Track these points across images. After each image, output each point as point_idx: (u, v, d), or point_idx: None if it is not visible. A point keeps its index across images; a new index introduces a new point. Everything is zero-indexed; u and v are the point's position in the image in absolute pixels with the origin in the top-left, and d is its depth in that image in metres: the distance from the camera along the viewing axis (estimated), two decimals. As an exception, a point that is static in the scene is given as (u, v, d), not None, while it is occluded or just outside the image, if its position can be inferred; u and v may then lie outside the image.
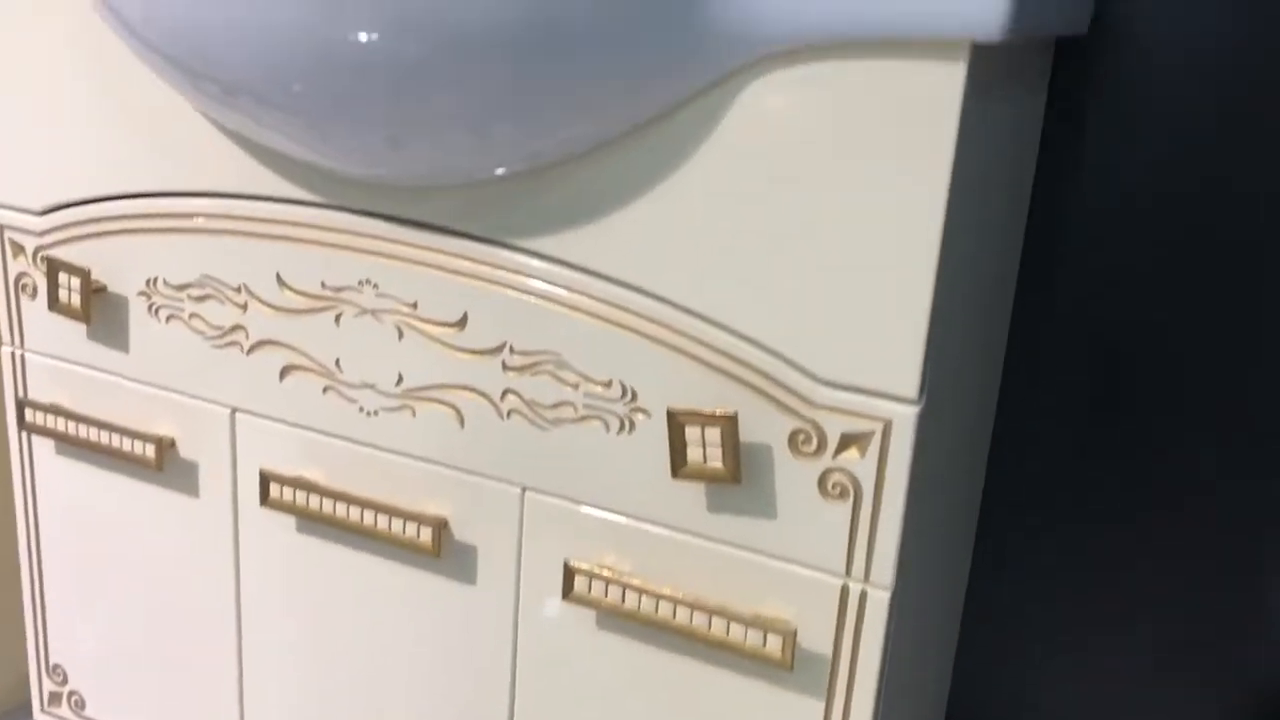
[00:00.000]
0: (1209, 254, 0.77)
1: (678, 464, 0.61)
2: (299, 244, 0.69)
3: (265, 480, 0.73)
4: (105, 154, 0.74)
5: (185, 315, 0.74)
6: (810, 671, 0.62)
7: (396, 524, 0.70)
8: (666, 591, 0.63)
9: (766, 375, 0.60)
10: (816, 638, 0.62)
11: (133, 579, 0.82)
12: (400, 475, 0.70)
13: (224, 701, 0.81)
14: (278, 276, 0.70)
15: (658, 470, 0.63)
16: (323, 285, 0.69)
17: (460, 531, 0.70)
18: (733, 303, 0.59)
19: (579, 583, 0.65)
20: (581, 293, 0.63)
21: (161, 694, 0.84)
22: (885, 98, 0.54)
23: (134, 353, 0.77)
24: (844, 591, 0.61)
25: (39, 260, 0.78)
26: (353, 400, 0.70)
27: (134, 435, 0.77)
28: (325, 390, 0.71)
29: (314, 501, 0.72)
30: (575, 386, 0.64)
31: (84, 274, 0.75)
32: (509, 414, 0.66)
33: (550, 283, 0.63)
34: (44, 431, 0.80)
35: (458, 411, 0.67)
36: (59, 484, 0.83)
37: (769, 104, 0.56)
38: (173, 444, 0.77)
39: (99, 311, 0.76)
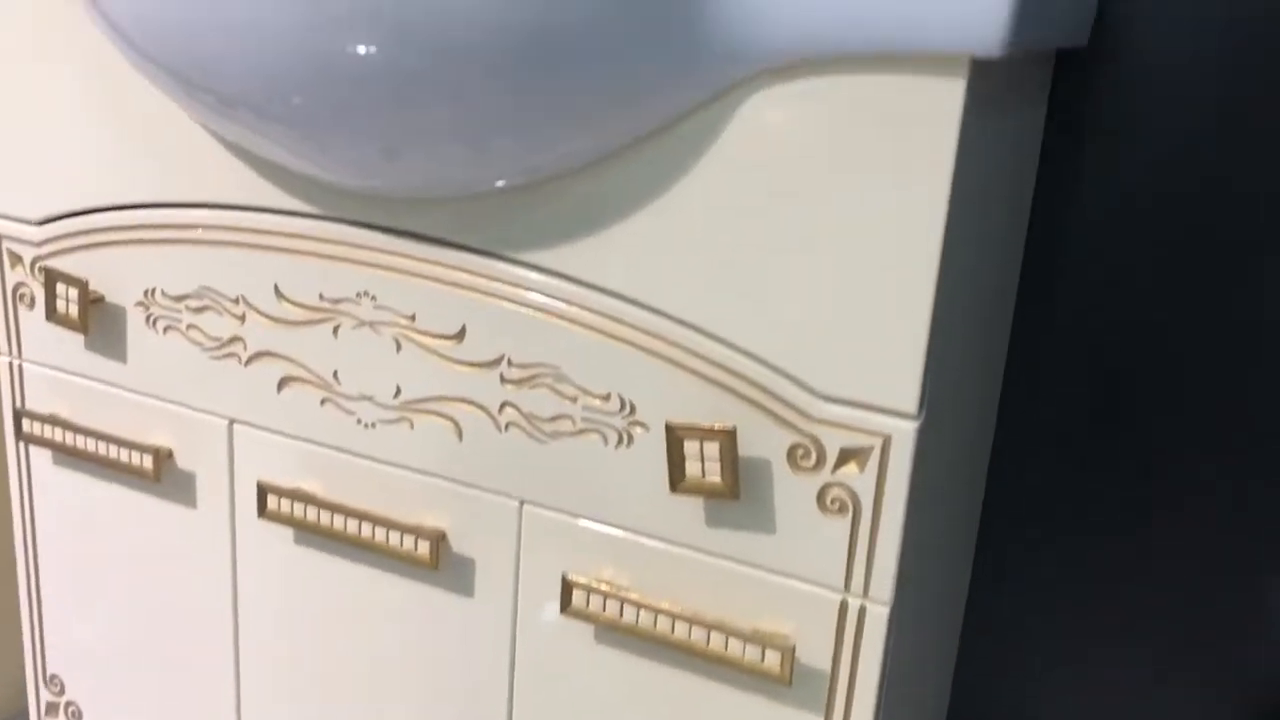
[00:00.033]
0: (1209, 265, 0.76)
1: (676, 479, 0.60)
2: (297, 255, 0.69)
3: (263, 492, 0.72)
4: (103, 164, 0.74)
5: (183, 326, 0.74)
6: (809, 687, 0.62)
7: (394, 536, 0.70)
8: (665, 606, 0.63)
9: (765, 389, 0.59)
10: (815, 653, 0.62)
11: (130, 590, 0.82)
12: (398, 487, 0.70)
13: (221, 713, 0.81)
14: (276, 288, 0.70)
15: (656, 484, 0.63)
16: (321, 297, 0.69)
17: (458, 544, 0.69)
18: (731, 316, 0.59)
19: (577, 596, 0.65)
20: (580, 306, 0.63)
21: (159, 705, 0.84)
22: (884, 112, 0.54)
23: (132, 363, 0.76)
24: (843, 607, 0.61)
25: (37, 270, 0.78)
26: (351, 412, 0.70)
27: (131, 446, 0.77)
28: (323, 402, 0.71)
29: (311, 513, 0.72)
30: (574, 400, 0.64)
31: (82, 285, 0.75)
32: (507, 427, 0.66)
33: (549, 295, 0.63)
34: (41, 442, 0.80)
35: (456, 424, 0.67)
36: (56, 494, 0.83)
37: (768, 118, 0.56)
38: (170, 455, 0.77)
39: (97, 322, 0.76)
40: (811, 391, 0.59)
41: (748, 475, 0.60)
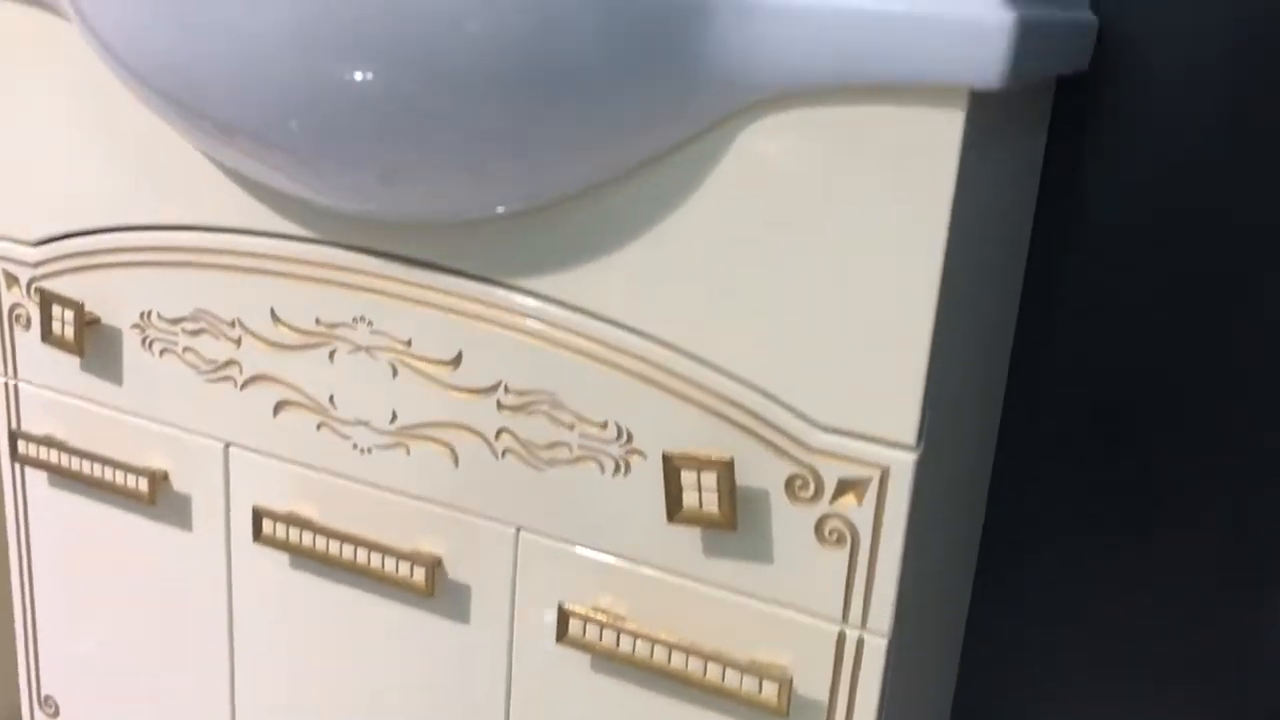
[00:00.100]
0: (1210, 289, 0.76)
1: (673, 509, 0.60)
2: (293, 279, 0.69)
3: (258, 516, 0.72)
4: (100, 186, 0.73)
5: (179, 349, 0.73)
6: (806, 718, 0.62)
7: (390, 562, 0.69)
8: (662, 636, 0.63)
9: (763, 419, 0.59)
10: (813, 684, 0.61)
11: (125, 612, 0.82)
12: (394, 513, 0.70)
13: (216, 736, 0.81)
14: (272, 312, 0.70)
15: (653, 513, 0.62)
16: (317, 321, 0.69)
17: (454, 571, 0.69)
18: (729, 345, 0.59)
19: (574, 625, 0.64)
20: (577, 333, 0.62)
21: (153, 728, 0.83)
22: (883, 144, 0.53)
23: (127, 385, 0.76)
24: (841, 638, 0.60)
25: (33, 291, 0.77)
26: (346, 437, 0.70)
27: (127, 468, 0.76)
28: (319, 426, 0.70)
29: (307, 538, 0.71)
30: (570, 427, 0.63)
31: (77, 307, 0.75)
32: (504, 453, 0.66)
33: (546, 322, 0.63)
34: (37, 463, 0.79)
35: (452, 450, 0.67)
36: (52, 515, 0.82)
37: (766, 148, 0.56)
38: (166, 477, 0.76)
39: (92, 344, 0.76)
40: (810, 421, 0.58)
41: (746, 505, 0.60)
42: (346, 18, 0.54)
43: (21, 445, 0.79)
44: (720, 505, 0.59)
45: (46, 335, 0.76)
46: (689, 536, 0.62)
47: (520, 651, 0.68)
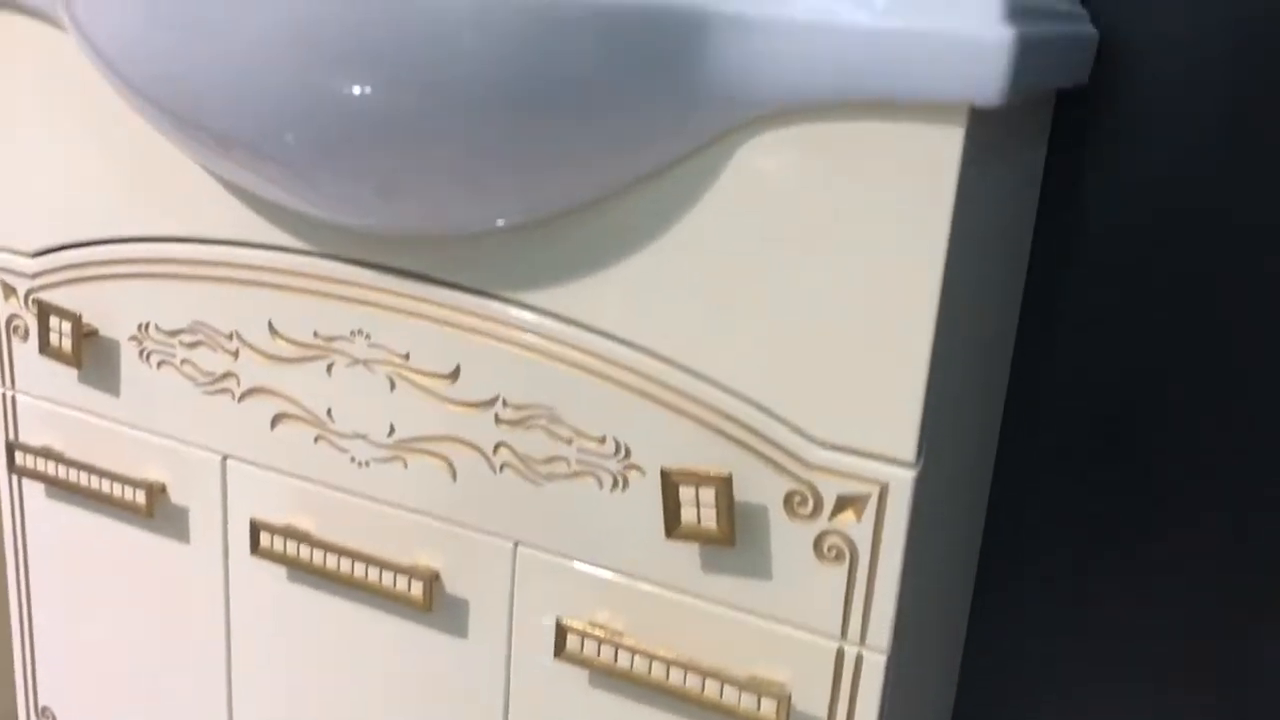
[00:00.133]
0: (1210, 302, 0.76)
1: (671, 525, 0.60)
2: (291, 292, 0.69)
3: (255, 529, 0.72)
4: (97, 198, 0.73)
5: (177, 361, 0.73)
6: (805, 734, 0.62)
7: (388, 576, 0.69)
8: (660, 652, 0.62)
9: (762, 435, 0.59)
10: (812, 701, 0.61)
11: (123, 623, 0.81)
12: (392, 527, 0.69)
13: (213, 749, 0.81)
14: (270, 324, 0.70)
15: (651, 528, 0.62)
16: (315, 334, 0.68)
17: (452, 585, 0.69)
18: (728, 361, 0.59)
19: (571, 641, 0.64)
20: (576, 347, 0.62)
21: (150, 740, 0.83)
22: (882, 160, 0.53)
23: (125, 397, 0.76)
24: (839, 655, 0.60)
25: (30, 303, 0.77)
26: (344, 450, 0.70)
27: (125, 480, 0.76)
28: (317, 439, 0.70)
29: (304, 552, 0.71)
30: (569, 441, 0.63)
31: (75, 318, 0.74)
32: (501, 467, 0.65)
33: (544, 336, 0.63)
34: (34, 475, 0.79)
35: (449, 464, 0.67)
36: (49, 527, 0.82)
37: (764, 163, 0.55)
38: (164, 490, 0.76)
39: (90, 355, 0.76)
40: (809, 438, 0.58)
41: (744, 521, 0.60)
42: (345, 29, 0.54)
43: (19, 456, 0.79)
44: (719, 521, 0.59)
45: (44, 347, 0.76)
46: (687, 552, 0.62)
47: (518, 666, 0.68)
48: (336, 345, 0.68)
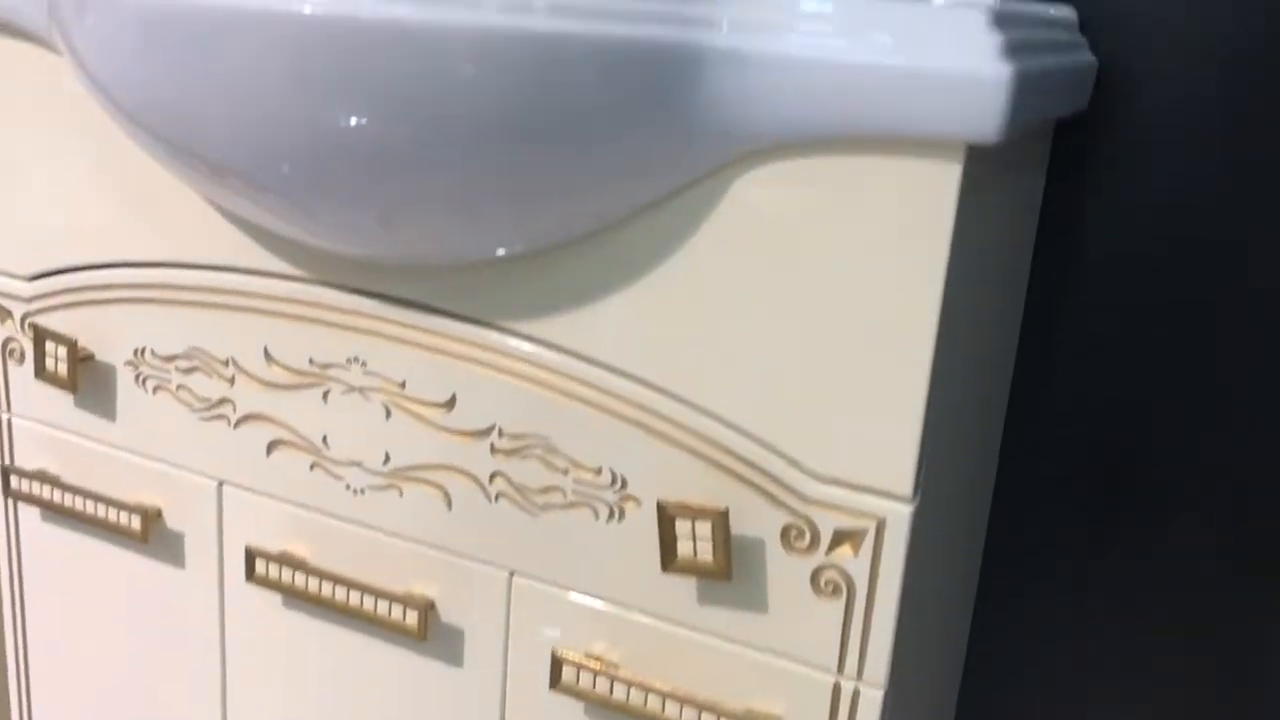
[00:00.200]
0: (1211, 329, 0.75)
1: (668, 559, 0.59)
2: (287, 319, 0.68)
3: (251, 556, 0.71)
4: (95, 222, 0.73)
5: (173, 386, 0.73)
6: (802, 768, 0.61)
7: (383, 605, 0.69)
8: (656, 684, 0.62)
9: (759, 468, 0.58)
10: (808, 735, 0.61)
11: (118, 648, 0.81)
12: (387, 555, 0.69)
13: (208, 775, 0.80)
14: (266, 351, 0.69)
15: (648, 560, 0.62)
16: (311, 361, 0.68)
17: (447, 614, 0.68)
18: (726, 393, 0.58)
19: (567, 673, 0.64)
20: (572, 378, 0.62)
21: (145, 764, 0.83)
22: (878, 195, 0.53)
23: (121, 422, 0.76)
24: (836, 689, 0.59)
25: (26, 326, 0.77)
26: (340, 478, 0.69)
27: (120, 505, 0.76)
28: (312, 467, 0.70)
29: (300, 579, 0.71)
30: (565, 472, 0.63)
31: (71, 343, 0.74)
32: (497, 497, 0.65)
33: (541, 366, 0.62)
34: (29, 499, 0.79)
35: (445, 492, 0.66)
36: (44, 550, 0.82)
37: (761, 196, 0.55)
38: (159, 515, 0.76)
39: (86, 380, 0.76)
40: (806, 471, 0.58)
41: (741, 554, 0.59)
42: (342, 61, 0.53)
43: (14, 480, 0.79)
44: (715, 555, 0.59)
45: (40, 372, 0.76)
46: (684, 584, 0.61)
47: (513, 697, 0.68)
48: (332, 373, 0.68)
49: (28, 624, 0.84)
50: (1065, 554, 0.82)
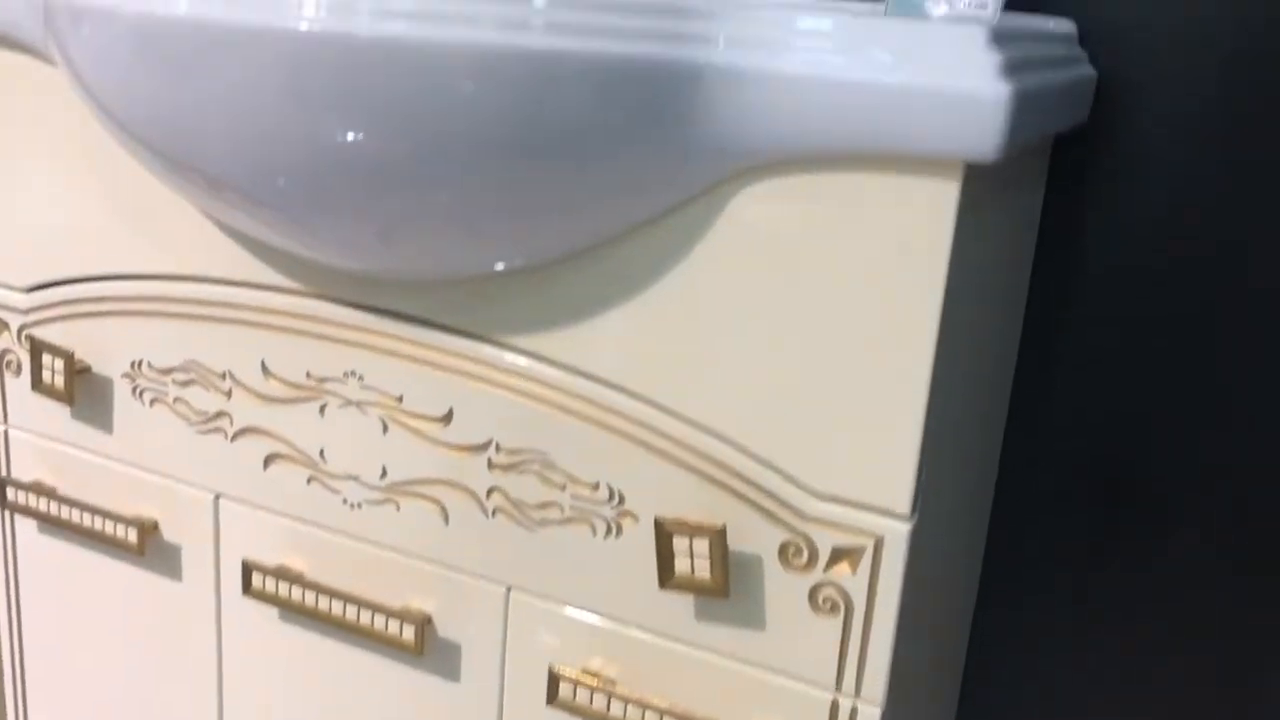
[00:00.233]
0: (1211, 343, 0.75)
1: (665, 576, 0.59)
2: (285, 333, 0.68)
3: (247, 569, 0.71)
4: (92, 234, 0.73)
5: (169, 399, 0.73)
6: (799, 786, 0.61)
7: (380, 620, 0.68)
8: (654, 701, 0.62)
9: (757, 485, 0.58)
10: (806, 752, 0.60)
11: (114, 660, 0.81)
12: (384, 569, 0.69)
13: (204, 788, 0.80)
14: (263, 364, 0.69)
15: (645, 575, 0.62)
16: (308, 375, 0.68)
17: (444, 629, 0.68)
18: (723, 410, 0.58)
19: (564, 689, 0.63)
20: (570, 393, 0.61)
21: (142, 777, 0.83)
22: (876, 212, 0.53)
23: (118, 434, 0.75)
24: (834, 707, 0.59)
25: (23, 338, 0.77)
26: (336, 491, 0.69)
27: (116, 518, 0.76)
28: (309, 480, 0.70)
29: (296, 593, 0.70)
30: (562, 488, 0.63)
31: (67, 356, 0.74)
32: (494, 512, 0.65)
33: (538, 382, 0.62)
34: (25, 511, 0.79)
35: (442, 507, 0.66)
36: (41, 562, 0.82)
37: (759, 212, 0.55)
38: (155, 527, 0.76)
39: (83, 392, 0.75)
40: (804, 488, 0.57)
41: (738, 571, 0.59)
42: (340, 78, 0.53)
43: (10, 492, 0.79)
44: (712, 572, 0.59)
45: (37, 384, 0.75)
46: (681, 600, 0.61)
47: (510, 713, 0.68)
48: (329, 386, 0.67)
49: (24, 636, 0.84)
50: (1065, 567, 0.82)
